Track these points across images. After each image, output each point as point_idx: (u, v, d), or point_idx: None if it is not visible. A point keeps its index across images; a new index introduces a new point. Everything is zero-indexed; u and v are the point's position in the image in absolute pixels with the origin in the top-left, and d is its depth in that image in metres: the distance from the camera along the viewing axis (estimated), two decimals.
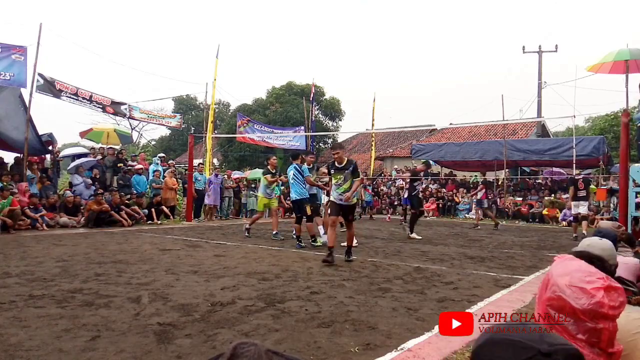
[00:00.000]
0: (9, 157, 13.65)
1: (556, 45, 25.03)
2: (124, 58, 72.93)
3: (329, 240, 6.79)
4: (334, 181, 7.00)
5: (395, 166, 25.07)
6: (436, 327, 3.64)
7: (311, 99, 23.35)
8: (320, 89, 33.46)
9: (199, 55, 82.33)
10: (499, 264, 7.00)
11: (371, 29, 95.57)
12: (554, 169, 22.15)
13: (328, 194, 8.68)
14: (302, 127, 22.25)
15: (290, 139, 21.01)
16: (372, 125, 23.85)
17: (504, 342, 0.86)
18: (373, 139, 24.10)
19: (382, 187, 22.18)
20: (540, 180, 21.21)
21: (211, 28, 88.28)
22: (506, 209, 18.34)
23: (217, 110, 24.87)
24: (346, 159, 6.94)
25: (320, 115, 34.72)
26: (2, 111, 11.80)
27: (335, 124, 36.38)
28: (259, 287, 4.97)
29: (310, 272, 6.00)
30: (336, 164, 6.99)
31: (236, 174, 18.81)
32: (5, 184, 10.60)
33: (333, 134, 31.20)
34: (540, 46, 24.88)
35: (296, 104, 31.85)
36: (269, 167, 10.06)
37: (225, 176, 16.52)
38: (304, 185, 8.73)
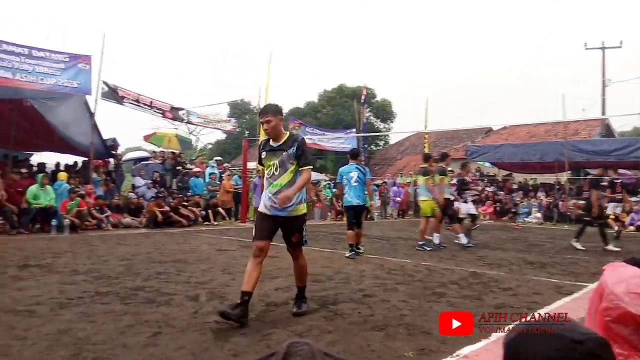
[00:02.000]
0: (69, 160, 14.50)
1: (621, 41, 23.77)
2: (182, 64, 75.57)
3: (245, 282, 3.87)
4: (266, 172, 4.12)
5: (450, 168, 24.55)
6: (493, 334, 3.53)
7: (362, 101, 23.28)
8: (372, 91, 33.30)
9: (253, 60, 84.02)
10: (561, 270, 6.69)
11: (424, 27, 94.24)
12: (621, 171, 20.95)
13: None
14: (354, 130, 22.23)
15: (342, 141, 21.04)
16: (425, 126, 23.47)
17: (533, 334, 0.88)
18: (426, 140, 23.67)
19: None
20: (605, 183, 20.12)
21: (264, 33, 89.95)
22: (568, 212, 17.53)
23: None
24: (288, 133, 4.07)
25: (372, 117, 34.56)
26: (69, 118, 12.55)
27: (387, 126, 36.11)
28: (312, 289, 5.00)
29: (363, 275, 5.98)
30: (270, 142, 4.08)
31: None
32: (73, 186, 11.26)
33: (385, 136, 30.97)
34: (603, 42, 23.68)
35: (347, 107, 31.89)
36: (426, 167, 9.07)
37: None
38: (365, 189, 7.78)
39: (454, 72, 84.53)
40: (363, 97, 23.42)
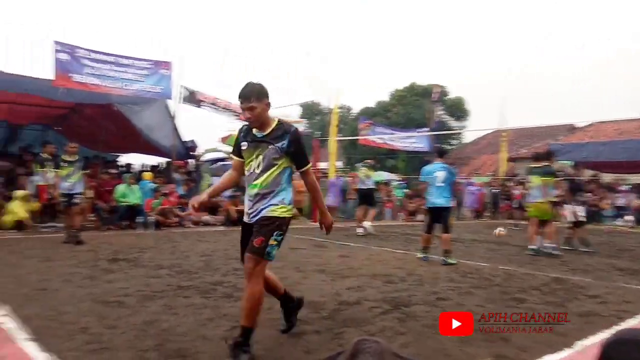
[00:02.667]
0: (153, 162, 15.38)
1: None
2: (254, 67, 77.78)
3: (245, 317, 3.03)
4: (245, 170, 3.15)
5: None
6: (578, 343, 3.33)
7: (434, 99, 22.77)
8: (444, 89, 32.47)
9: (324, 60, 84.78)
10: None
11: (503, 18, 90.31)
12: None
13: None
14: (426, 128, 21.80)
15: (414, 140, 20.70)
16: (502, 124, 22.51)
17: (632, 341, 0.85)
18: (504, 138, 22.68)
19: (514, 191, 20.82)
20: None
21: (335, 33, 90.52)
22: None
23: (340, 114, 25.38)
24: (276, 120, 3.11)
25: (445, 116, 33.70)
26: (153, 121, 13.33)
27: (461, 124, 35.07)
28: (384, 290, 4.97)
29: (437, 277, 5.85)
30: (254, 131, 3.11)
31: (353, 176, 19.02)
32: (157, 185, 11.96)
33: (459, 134, 30.08)
34: None
35: (419, 105, 31.33)
36: (550, 164, 8.52)
37: (349, 178, 16.80)
38: (451, 189, 7.29)
39: (533, 64, 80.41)
40: (436, 95, 22.88)
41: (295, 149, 3.05)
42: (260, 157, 3.04)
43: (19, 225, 9.67)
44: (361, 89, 68.82)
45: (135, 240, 8.84)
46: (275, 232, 2.99)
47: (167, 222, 11.41)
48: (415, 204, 17.53)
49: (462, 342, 3.33)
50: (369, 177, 11.57)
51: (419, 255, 7.29)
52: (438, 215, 7.24)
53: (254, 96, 2.96)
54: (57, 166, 8.13)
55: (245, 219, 3.16)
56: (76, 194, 8.12)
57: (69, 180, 7.97)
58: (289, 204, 3.10)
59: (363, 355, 0.76)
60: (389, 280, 5.51)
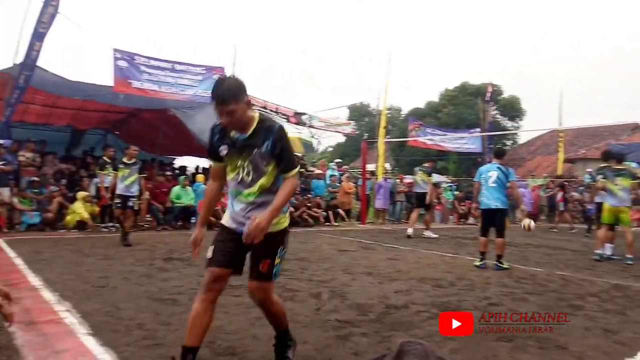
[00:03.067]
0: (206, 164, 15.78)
1: None
2: (303, 70, 78.61)
3: (189, 331, 2.65)
4: (229, 177, 2.75)
5: (589, 169, 22.29)
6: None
7: (487, 99, 22.17)
8: (498, 88, 31.56)
9: (372, 62, 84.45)
10: None
11: (554, 14, 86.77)
12: None
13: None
14: (478, 129, 21.26)
15: (465, 141, 20.23)
16: (560, 123, 21.58)
17: None
18: (561, 139, 21.75)
19: (573, 193, 19.94)
20: None
21: (384, 34, 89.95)
22: None
23: (389, 115, 25.19)
24: (256, 117, 2.61)
25: (498, 115, 32.75)
26: (206, 125, 13.66)
27: (515, 124, 33.95)
28: (433, 294, 4.89)
29: (488, 282, 5.69)
30: (231, 133, 2.64)
31: (408, 178, 18.80)
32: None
33: (513, 135, 29.13)
34: None
35: (471, 105, 30.59)
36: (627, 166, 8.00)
37: (397, 180, 16.64)
38: (504, 191, 6.92)
39: (589, 61, 76.89)
40: (488, 95, 22.27)
41: (280, 150, 2.55)
42: (248, 163, 2.59)
43: (80, 225, 10.22)
44: (410, 89, 68.01)
45: (188, 240, 9.11)
46: (279, 249, 2.70)
47: (218, 223, 11.68)
48: (466, 207, 17.13)
49: (515, 349, 3.23)
50: (425, 180, 11.48)
51: (477, 263, 6.86)
52: (492, 218, 6.96)
53: (231, 97, 2.42)
54: (115, 168, 8.35)
55: (232, 225, 2.70)
56: (132, 196, 8.21)
57: (126, 182, 8.08)
58: (287, 211, 2.77)
59: (407, 357, 0.76)
60: (438, 284, 5.41)
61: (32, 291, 4.56)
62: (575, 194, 19.84)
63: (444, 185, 19.65)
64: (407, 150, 30.20)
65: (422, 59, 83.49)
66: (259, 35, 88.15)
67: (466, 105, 31.56)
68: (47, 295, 4.38)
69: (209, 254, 2.65)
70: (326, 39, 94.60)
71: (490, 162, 7.49)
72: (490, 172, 6.98)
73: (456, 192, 18.92)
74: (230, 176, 2.71)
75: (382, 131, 17.03)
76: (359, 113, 41.08)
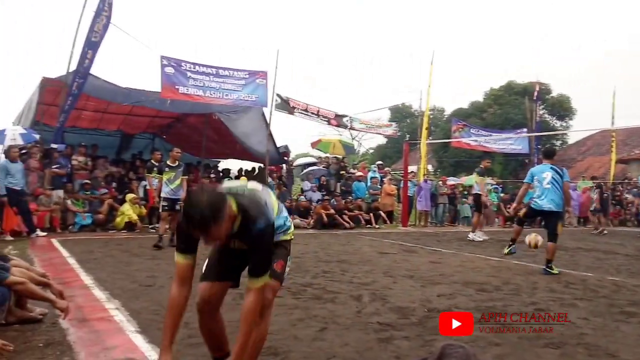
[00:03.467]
0: (248, 166, 16.06)
1: None
2: (341, 72, 78.57)
3: (209, 346, 2.72)
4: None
5: None
6: None
7: (535, 98, 21.47)
8: (546, 87, 30.52)
9: (415, 61, 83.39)
10: None
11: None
12: None
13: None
14: (524, 129, 20.63)
15: (511, 142, 19.66)
16: (612, 122, 20.63)
17: None
18: (613, 138, 20.79)
19: (626, 195, 19.06)
20: None
21: (426, 34, 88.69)
22: None
23: (431, 116, 24.82)
24: (239, 217, 2.23)
25: (546, 115, 31.67)
26: (249, 128, 13.96)
27: (564, 124, 32.73)
28: (477, 298, 4.78)
29: (535, 287, 5.50)
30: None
31: (451, 180, 18.47)
32: None
33: (562, 135, 28.08)
34: None
35: (517, 105, 29.74)
36: None
37: (440, 182, 16.38)
38: (561, 193, 6.61)
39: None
40: (535, 94, 21.56)
41: (254, 248, 2.29)
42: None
43: (129, 226, 10.60)
44: (454, 89, 66.77)
45: None
46: (288, 256, 2.62)
47: None
48: (512, 209, 16.64)
49: (563, 357, 3.12)
50: (477, 182, 11.40)
51: (506, 250, 7.12)
52: (544, 219, 6.84)
53: (211, 224, 2.02)
54: (161, 172, 8.43)
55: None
56: (178, 199, 8.15)
57: (172, 185, 8.13)
58: (290, 224, 2.68)
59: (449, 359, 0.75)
60: (482, 288, 5.28)
61: (84, 289, 4.77)
62: (629, 196, 18.96)
63: (489, 186, 19.18)
64: (451, 151, 29.64)
65: (466, 58, 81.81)
66: (300, 38, 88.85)
67: (512, 105, 30.68)
68: (98, 293, 4.57)
69: (204, 267, 2.48)
70: (367, 39, 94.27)
71: (540, 162, 7.30)
72: (544, 173, 6.73)
73: (502, 194, 18.41)
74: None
75: (424, 132, 16.80)
76: (400, 114, 40.70)
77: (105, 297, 4.41)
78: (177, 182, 8.16)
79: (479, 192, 11.22)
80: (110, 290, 4.64)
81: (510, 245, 7.13)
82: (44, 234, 9.22)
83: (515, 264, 7.30)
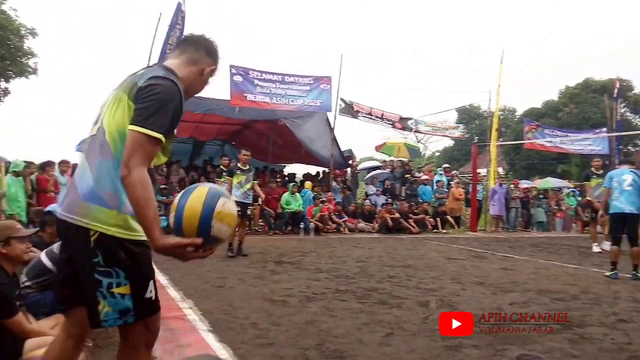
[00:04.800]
0: (313, 171, 16.22)
1: None
2: (407, 74, 77.39)
3: None
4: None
5: None
6: None
7: (615, 96, 20.10)
8: (627, 83, 28.53)
9: (483, 61, 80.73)
10: None
11: None
12: None
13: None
14: (604, 129, 19.35)
15: (589, 142, 18.51)
16: None
17: None
18: None
19: None
20: None
21: (495, 33, 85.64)
22: None
23: (501, 117, 23.90)
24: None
25: (628, 113, 29.59)
26: (313, 133, 14.13)
27: None
28: (553, 307, 4.54)
29: (617, 296, 5.15)
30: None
31: (524, 184, 17.67)
32: (317, 193, 12.64)
33: None
34: None
35: (595, 103, 28.00)
36: None
37: (512, 186, 15.73)
38: None
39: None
40: (616, 91, 20.19)
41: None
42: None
43: None
44: (526, 88, 63.87)
45: (297, 245, 9.44)
46: (118, 268, 1.83)
47: (325, 228, 11.96)
48: (599, 216, 15.65)
49: None
50: (591, 186, 9.65)
51: (608, 273, 6.38)
52: (625, 224, 6.40)
53: None
54: (231, 174, 8.34)
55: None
56: (249, 204, 8.08)
57: (243, 189, 7.90)
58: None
59: None
60: (558, 297, 5.01)
61: (160, 289, 4.96)
62: None
63: (566, 190, 18.18)
64: (523, 153, 28.41)
65: (538, 56, 78.12)
66: (364, 42, 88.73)
67: (590, 103, 28.93)
68: (173, 292, 4.81)
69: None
70: (432, 39, 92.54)
71: (619, 167, 6.90)
72: (624, 176, 6.51)
73: (579, 198, 17.38)
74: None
75: (494, 134, 16.20)
76: (468, 115, 39.54)
77: (179, 296, 4.64)
78: (248, 185, 7.94)
79: (589, 198, 9.63)
80: (183, 290, 4.87)
81: (612, 270, 6.39)
82: None
83: (594, 271, 6.86)
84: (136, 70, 1.87)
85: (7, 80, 10.66)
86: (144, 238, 1.75)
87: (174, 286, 5.08)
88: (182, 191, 1.84)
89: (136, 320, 1.74)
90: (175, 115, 1.75)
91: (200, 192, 1.76)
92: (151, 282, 1.83)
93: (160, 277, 5.61)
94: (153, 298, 1.82)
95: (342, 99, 14.34)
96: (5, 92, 10.73)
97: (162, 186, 11.71)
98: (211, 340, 3.33)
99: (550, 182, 19.02)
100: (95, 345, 3.10)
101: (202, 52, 1.95)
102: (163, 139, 1.70)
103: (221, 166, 9.84)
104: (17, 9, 11.63)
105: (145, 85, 1.71)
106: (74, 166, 8.28)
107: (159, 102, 1.69)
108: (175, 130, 1.85)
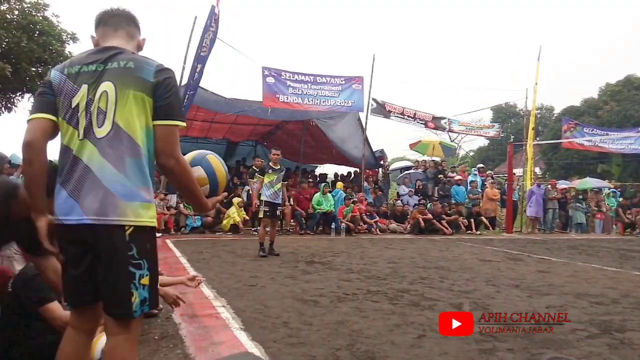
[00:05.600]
0: (344, 171, 16.19)
1: None
2: (443, 74, 76.22)
3: None
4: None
5: None
6: None
7: None
8: None
9: (519, 60, 78.94)
10: None
11: None
12: None
13: None
14: None
15: (631, 141, 17.83)
16: None
17: None
18: None
19: None
20: None
21: (532, 30, 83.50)
22: None
23: (538, 115, 23.30)
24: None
25: None
26: (345, 133, 14.13)
27: None
28: (591, 311, 4.40)
29: None
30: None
31: (562, 184, 17.17)
32: (348, 194, 12.62)
33: None
34: None
35: (637, 101, 27.03)
36: None
37: (549, 186, 15.32)
38: None
39: None
40: None
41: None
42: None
43: (234, 228, 11.20)
44: (563, 86, 62.08)
45: (328, 245, 9.46)
46: (145, 258, 1.92)
47: (356, 229, 11.93)
48: (632, 215, 15.10)
49: None
50: None
51: None
52: None
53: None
54: (262, 172, 8.35)
55: None
56: (279, 204, 8.05)
57: (274, 188, 7.86)
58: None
59: None
60: (598, 301, 4.85)
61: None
62: None
63: (606, 190, 17.58)
64: (561, 153, 27.61)
65: (577, 53, 75.74)
66: (398, 40, 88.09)
67: (632, 101, 27.89)
68: (206, 291, 4.89)
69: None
70: (468, 37, 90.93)
71: None
72: None
73: (620, 199, 16.77)
74: None
75: (530, 133, 15.80)
76: (504, 114, 38.73)
77: (213, 295, 4.71)
78: (278, 185, 7.92)
79: None
80: (217, 289, 4.96)
81: None
82: (160, 235, 10.07)
83: (636, 275, 6.62)
84: (111, 59, 1.84)
85: None
86: (155, 224, 1.90)
87: (208, 284, 5.16)
88: (195, 166, 2.17)
89: (147, 312, 1.86)
90: None
91: (211, 157, 2.28)
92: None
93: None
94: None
95: (374, 99, 14.29)
96: None
97: None
98: (243, 338, 3.37)
99: (590, 182, 18.41)
100: None
101: (132, 25, 2.01)
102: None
103: (254, 166, 9.92)
104: (59, 14, 12.05)
105: (162, 79, 1.82)
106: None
107: (177, 94, 1.89)
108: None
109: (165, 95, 1.80)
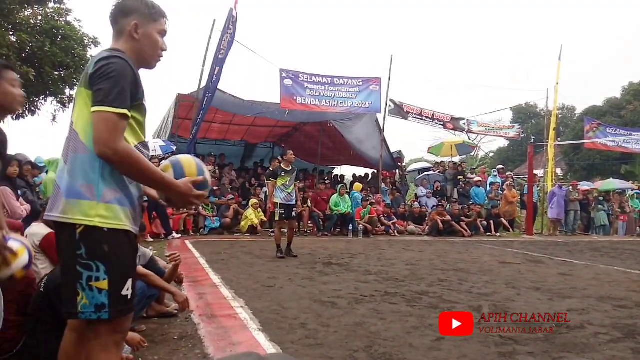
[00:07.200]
0: (362, 173, 16.15)
1: None
2: (463, 75, 75.51)
3: None
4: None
5: None
6: None
7: None
8: None
9: (541, 58, 77.72)
10: None
11: None
12: None
13: None
14: None
15: None
16: None
17: None
18: None
19: None
20: None
21: (552, 28, 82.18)
22: None
23: (560, 116, 22.93)
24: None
25: None
26: (363, 134, 14.11)
27: None
28: (614, 315, 4.32)
29: None
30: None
31: (584, 185, 16.87)
32: (365, 195, 12.59)
33: None
34: None
35: None
36: None
37: (570, 187, 15.06)
38: None
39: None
40: None
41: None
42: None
43: (252, 229, 11.26)
44: (585, 85, 60.95)
45: (346, 246, 9.45)
46: (102, 261, 1.83)
47: (374, 230, 11.89)
48: None
49: None
50: None
51: None
52: None
53: None
54: (275, 175, 8.24)
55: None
56: (294, 206, 7.96)
57: (288, 190, 7.76)
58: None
59: None
60: (621, 304, 4.75)
61: (213, 288, 5.18)
62: None
63: (630, 192, 17.20)
64: (583, 153, 27.14)
65: (599, 51, 74.33)
66: (415, 41, 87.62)
67: None
68: (225, 291, 4.93)
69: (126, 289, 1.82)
70: (487, 36, 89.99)
71: None
72: None
73: None
74: None
75: (552, 133, 15.58)
76: (524, 115, 38.22)
77: (231, 295, 4.75)
78: (292, 187, 7.85)
79: None
80: (235, 290, 4.99)
81: None
82: (179, 236, 10.19)
83: None
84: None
85: (71, 88, 11.29)
86: (128, 228, 1.78)
87: (226, 285, 5.21)
88: (166, 162, 2.04)
89: (109, 318, 1.74)
90: (134, 87, 1.78)
91: (185, 157, 2.08)
92: (129, 281, 1.79)
93: (213, 276, 5.78)
94: (129, 297, 1.78)
95: (391, 100, 14.24)
96: (70, 99, 11.37)
97: (215, 188, 12.03)
98: (262, 339, 3.39)
99: (613, 183, 18.04)
100: (151, 341, 3.23)
101: (120, 18, 1.95)
102: (128, 113, 1.73)
103: (272, 168, 9.98)
104: (81, 19, 12.29)
105: (94, 70, 1.74)
106: None
107: (113, 79, 1.71)
108: (145, 103, 1.89)
109: (97, 82, 1.72)
